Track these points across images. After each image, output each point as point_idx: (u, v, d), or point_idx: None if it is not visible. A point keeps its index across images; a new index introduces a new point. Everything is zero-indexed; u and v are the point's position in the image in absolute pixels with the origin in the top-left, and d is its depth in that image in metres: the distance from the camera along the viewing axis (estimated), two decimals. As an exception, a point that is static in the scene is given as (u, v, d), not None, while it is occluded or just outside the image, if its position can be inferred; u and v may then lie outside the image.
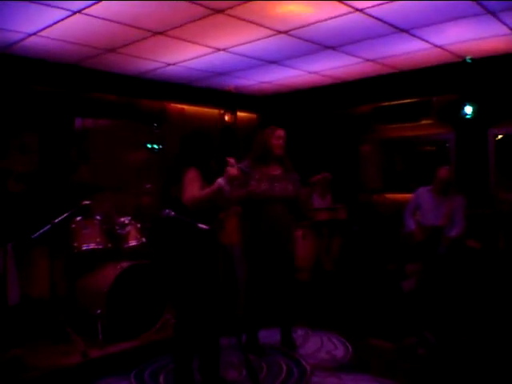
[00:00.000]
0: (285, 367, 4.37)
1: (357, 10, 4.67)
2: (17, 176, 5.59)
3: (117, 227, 5.52)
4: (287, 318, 4.91)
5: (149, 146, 7.37)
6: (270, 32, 5.27)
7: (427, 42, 5.67)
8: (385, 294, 6.03)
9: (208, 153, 3.88)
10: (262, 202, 4.56)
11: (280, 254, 4.67)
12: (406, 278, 5.78)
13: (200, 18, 4.82)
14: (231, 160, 3.74)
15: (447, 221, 5.52)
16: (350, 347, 4.84)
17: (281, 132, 4.72)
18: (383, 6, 4.56)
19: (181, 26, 5.01)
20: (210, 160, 3.90)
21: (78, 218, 5.38)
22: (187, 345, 3.77)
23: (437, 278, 5.45)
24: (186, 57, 6.15)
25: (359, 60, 6.44)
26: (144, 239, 5.62)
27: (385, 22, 5.03)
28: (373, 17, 4.87)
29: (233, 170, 3.67)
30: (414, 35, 5.43)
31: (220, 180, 3.63)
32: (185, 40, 5.47)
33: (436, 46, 5.83)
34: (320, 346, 4.91)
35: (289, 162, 4.82)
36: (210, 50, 5.87)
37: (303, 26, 5.11)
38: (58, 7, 4.39)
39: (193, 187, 3.64)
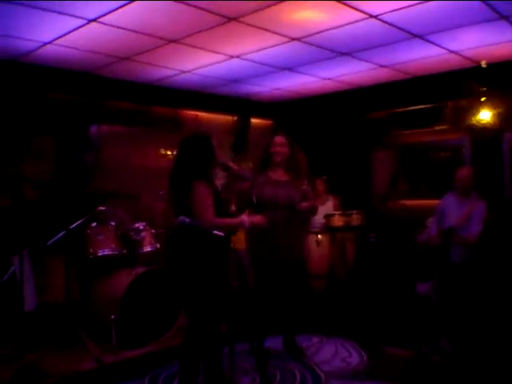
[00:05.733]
0: (298, 374, 4.35)
1: (371, 16, 4.67)
2: (33, 182, 5.64)
3: (132, 233, 5.55)
4: (291, 325, 4.88)
5: (163, 152, 7.42)
6: (283, 39, 5.28)
7: (442, 47, 5.64)
8: (400, 302, 5.98)
9: (207, 157, 3.86)
10: (266, 207, 4.52)
11: (284, 260, 4.60)
12: (422, 280, 5.71)
13: (214, 26, 4.84)
14: (234, 166, 3.82)
15: (462, 222, 5.37)
16: (364, 355, 4.82)
17: (279, 139, 4.67)
18: (398, 12, 4.55)
19: (195, 33, 5.04)
20: (209, 164, 3.88)
21: (93, 224, 5.42)
22: (198, 351, 3.77)
23: (451, 286, 5.38)
24: (199, 64, 6.18)
25: (374, 66, 6.43)
26: (159, 245, 5.64)
27: (399, 28, 5.02)
28: (387, 23, 4.86)
29: (261, 221, 3.99)
30: (428, 41, 5.41)
31: (245, 220, 3.84)
32: (199, 48, 5.50)
33: (451, 51, 5.80)
34: (334, 354, 4.89)
35: (301, 169, 4.76)
36: (223, 57, 5.89)
37: (317, 33, 5.11)
38: (74, 16, 4.44)
39: (210, 207, 3.66)
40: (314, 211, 4.86)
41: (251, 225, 3.88)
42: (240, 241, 5.08)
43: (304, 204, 4.59)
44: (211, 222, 3.66)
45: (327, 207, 7.06)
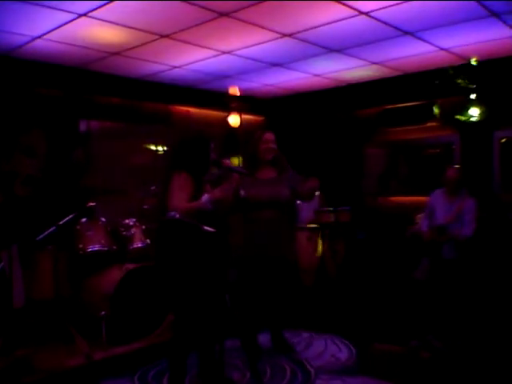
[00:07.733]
0: (289, 370, 4.37)
1: (361, 13, 4.68)
2: (23, 179, 5.61)
3: (122, 229, 5.54)
4: (279, 321, 4.88)
5: (153, 148, 7.40)
6: (274, 35, 5.28)
7: (432, 44, 5.67)
8: (390, 298, 6.01)
9: (204, 158, 3.86)
10: (252, 207, 4.48)
11: (272, 259, 4.56)
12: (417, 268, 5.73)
13: (206, 22, 4.84)
14: (227, 161, 3.78)
15: (452, 219, 5.47)
16: (354, 350, 4.84)
17: (269, 136, 4.59)
18: (388, 9, 4.57)
19: (187, 29, 5.03)
20: (205, 165, 3.88)
21: (83, 220, 5.40)
22: (185, 347, 3.77)
23: (443, 283, 5.41)
24: (191, 59, 6.17)
25: (364, 63, 6.45)
26: (149, 241, 5.62)
27: (390, 25, 5.03)
28: (378, 20, 4.87)
29: (218, 193, 3.76)
30: (419, 38, 5.43)
31: (205, 198, 3.70)
32: (190, 43, 5.49)
33: (441, 48, 5.82)
34: (324, 349, 4.91)
35: (283, 161, 4.69)
36: (215, 52, 5.88)
37: (308, 29, 5.12)
38: (64, 10, 4.41)
39: (181, 195, 3.68)
40: (316, 187, 4.63)
41: (212, 202, 3.71)
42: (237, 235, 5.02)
43: (307, 184, 4.52)
44: (175, 208, 3.62)
45: (314, 203, 7.07)
